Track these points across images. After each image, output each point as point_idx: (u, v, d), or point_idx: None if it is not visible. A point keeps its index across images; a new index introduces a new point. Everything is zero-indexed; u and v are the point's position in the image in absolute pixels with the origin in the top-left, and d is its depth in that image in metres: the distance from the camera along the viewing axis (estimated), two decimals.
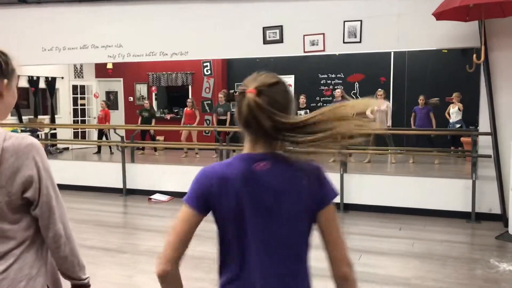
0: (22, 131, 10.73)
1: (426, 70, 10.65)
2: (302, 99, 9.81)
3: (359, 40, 5.89)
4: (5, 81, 1.48)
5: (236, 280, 1.37)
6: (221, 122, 10.15)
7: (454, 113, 9.48)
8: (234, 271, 1.37)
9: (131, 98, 13.41)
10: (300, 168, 1.31)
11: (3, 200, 1.39)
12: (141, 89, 13.25)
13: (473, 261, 4.28)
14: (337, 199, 6.08)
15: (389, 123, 8.36)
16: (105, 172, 5.51)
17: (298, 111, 9.93)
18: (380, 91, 8.79)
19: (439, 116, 9.39)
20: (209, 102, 12.59)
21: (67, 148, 9.48)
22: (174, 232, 1.33)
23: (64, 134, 11.98)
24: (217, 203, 1.32)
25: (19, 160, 1.39)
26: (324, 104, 11.85)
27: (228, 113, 10.30)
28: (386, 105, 8.33)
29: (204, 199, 1.33)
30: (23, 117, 11.63)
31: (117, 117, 13.39)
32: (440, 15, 4.98)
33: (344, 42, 5.95)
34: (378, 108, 7.67)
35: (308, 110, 9.74)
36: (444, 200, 5.73)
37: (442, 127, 9.35)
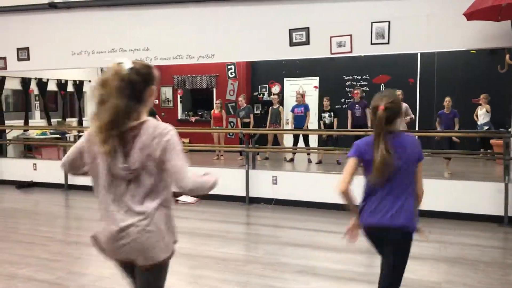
0: (51, 133, 10.98)
1: (455, 71, 10.46)
2: (326, 101, 9.74)
3: (387, 41, 5.83)
4: (152, 87, 1.98)
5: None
6: (245, 125, 10.18)
7: (482, 115, 9.29)
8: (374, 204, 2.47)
9: (156, 101, 13.56)
10: (408, 138, 2.49)
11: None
12: (167, 92, 13.40)
13: (507, 266, 4.18)
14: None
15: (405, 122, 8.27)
16: None
17: (322, 114, 9.87)
18: (398, 91, 8.41)
19: (467, 119, 9.21)
20: (233, 104, 12.63)
21: None
22: (346, 170, 2.44)
23: None
24: (364, 158, 2.44)
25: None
26: None
27: (251, 116, 10.32)
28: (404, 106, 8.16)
29: (358, 153, 2.45)
30: (52, 120, 11.89)
31: None
32: (471, 15, 4.89)
33: (371, 44, 5.90)
34: None
35: (332, 113, 9.68)
36: (475, 203, 5.61)
37: (471, 129, 9.17)
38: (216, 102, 11.04)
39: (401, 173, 2.44)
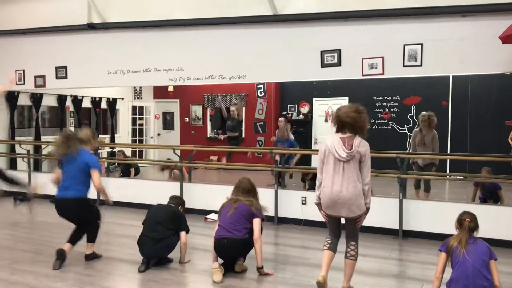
0: None
1: (490, 93, 10.27)
2: None
3: (419, 64, 5.81)
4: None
5: None
6: (232, 139, 10.15)
7: None
8: None
9: (186, 119, 13.78)
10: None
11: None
12: (197, 110, 13.59)
13: None
14: (395, 225, 5.93)
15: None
16: (164, 191, 5.68)
17: None
18: (425, 114, 7.56)
19: (503, 142, 9.02)
20: (262, 123, 12.71)
21: (129, 166, 9.82)
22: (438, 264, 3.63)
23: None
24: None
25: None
26: (379, 127, 11.68)
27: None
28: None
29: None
30: None
31: (173, 137, 13.77)
32: (507, 38, 4.85)
33: (404, 66, 5.89)
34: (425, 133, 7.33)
35: None
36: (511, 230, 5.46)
37: (505, 153, 8.96)
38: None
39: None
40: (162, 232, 4.58)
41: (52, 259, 4.66)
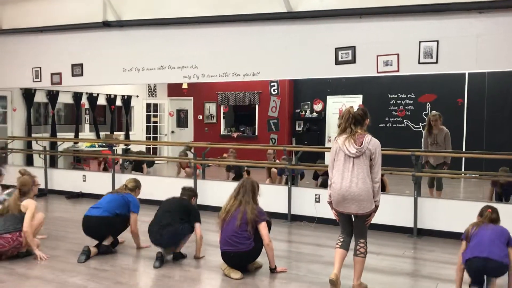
0: (99, 146, 11.38)
1: (507, 91, 10.14)
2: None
3: (435, 61, 5.74)
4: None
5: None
6: None
7: None
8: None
9: (200, 116, 13.83)
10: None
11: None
12: (210, 107, 13.64)
13: None
14: (410, 223, 5.89)
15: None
16: (178, 188, 5.71)
17: None
18: (434, 113, 7.31)
19: None
20: (275, 121, 12.71)
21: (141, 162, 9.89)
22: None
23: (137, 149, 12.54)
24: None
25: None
26: (394, 125, 11.60)
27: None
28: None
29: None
30: (100, 133, 12.34)
31: (187, 134, 13.84)
32: None
33: (419, 63, 5.83)
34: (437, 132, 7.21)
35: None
36: None
37: None
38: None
39: None
40: (169, 219, 4.61)
41: (68, 254, 4.71)
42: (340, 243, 3.89)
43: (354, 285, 3.83)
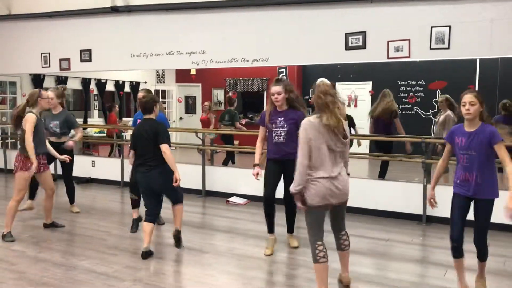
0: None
1: None
2: None
3: (447, 47, 5.65)
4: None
5: None
6: None
7: None
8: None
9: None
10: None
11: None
12: (218, 94, 13.60)
13: None
14: (419, 211, 5.86)
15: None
16: (186, 174, 5.71)
17: None
18: (443, 97, 7.66)
19: None
20: None
21: None
22: None
23: None
24: None
25: None
26: (404, 112, 11.50)
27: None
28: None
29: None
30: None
31: (195, 121, 13.83)
32: None
33: (431, 48, 5.74)
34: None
35: None
36: None
37: None
38: (204, 104, 10.29)
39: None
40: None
41: (77, 238, 4.74)
42: (323, 254, 3.42)
43: (346, 276, 3.73)
